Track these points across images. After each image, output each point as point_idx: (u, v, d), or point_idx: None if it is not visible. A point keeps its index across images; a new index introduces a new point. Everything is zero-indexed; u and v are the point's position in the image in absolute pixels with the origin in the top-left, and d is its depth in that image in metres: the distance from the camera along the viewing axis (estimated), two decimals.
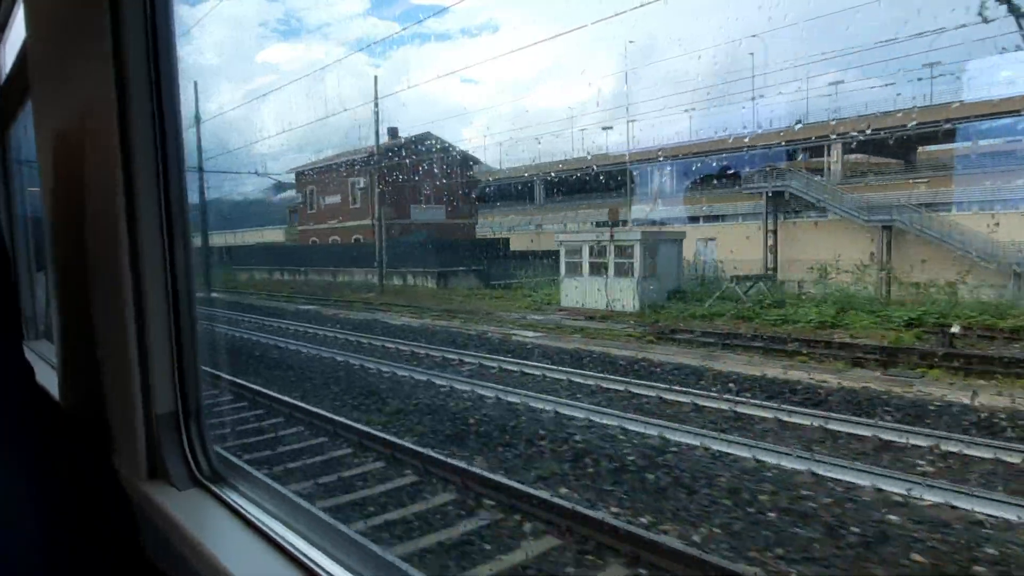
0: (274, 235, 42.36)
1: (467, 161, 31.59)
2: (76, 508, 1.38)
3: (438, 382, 8.72)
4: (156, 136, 1.32)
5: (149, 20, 1.31)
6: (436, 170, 31.78)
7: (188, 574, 1.15)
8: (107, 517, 1.46)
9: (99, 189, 1.38)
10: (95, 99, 1.35)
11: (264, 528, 1.17)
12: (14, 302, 1.43)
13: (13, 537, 1.23)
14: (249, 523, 1.20)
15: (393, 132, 31.77)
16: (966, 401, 6.88)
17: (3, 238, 1.41)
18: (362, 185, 32.77)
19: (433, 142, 30.63)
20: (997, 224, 16.13)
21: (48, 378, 1.76)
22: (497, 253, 25.55)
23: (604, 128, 27.73)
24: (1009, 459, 5.18)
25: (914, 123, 16.86)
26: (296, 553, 1.08)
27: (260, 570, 1.08)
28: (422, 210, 32.79)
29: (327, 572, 1.04)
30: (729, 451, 5.68)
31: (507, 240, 28.62)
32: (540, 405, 7.39)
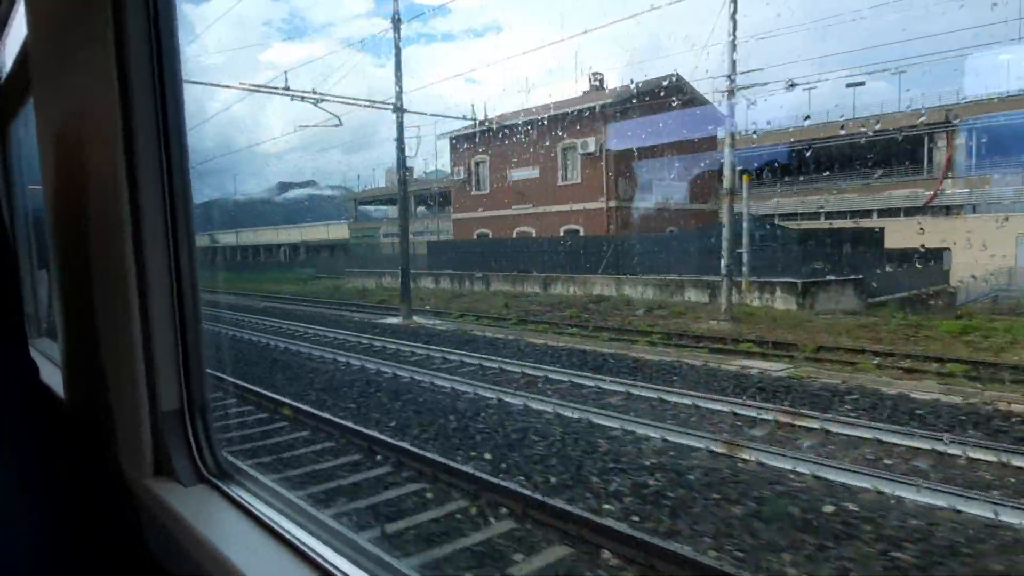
0: (336, 232, 37.35)
1: (712, 119, 20.48)
2: (80, 505, 1.44)
3: None
4: (160, 133, 1.38)
5: (151, 17, 1.36)
6: (681, 131, 20.71)
7: (195, 571, 1.20)
8: (111, 514, 1.53)
9: (102, 187, 1.45)
10: (97, 97, 1.42)
11: (274, 525, 1.21)
12: (18, 301, 1.50)
13: (17, 534, 1.27)
14: (258, 520, 1.25)
15: (600, 80, 23.00)
16: None
17: (6, 237, 1.47)
18: (591, 149, 22.12)
19: (676, 93, 19.64)
20: None
21: (52, 376, 1.85)
22: (869, 252, 16.85)
23: (851, 84, 19.77)
24: None
25: None
26: (307, 550, 1.11)
27: (270, 566, 1.11)
28: (663, 188, 22.83)
29: (339, 569, 1.06)
30: None
31: (878, 231, 18.89)
32: None
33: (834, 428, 6.36)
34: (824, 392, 7.94)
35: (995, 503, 4.53)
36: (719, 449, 5.80)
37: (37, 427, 1.44)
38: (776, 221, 21.33)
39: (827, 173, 23.31)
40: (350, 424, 6.46)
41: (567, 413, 7.03)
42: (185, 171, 1.42)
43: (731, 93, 13.71)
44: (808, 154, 22.30)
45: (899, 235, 18.07)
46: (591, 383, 8.46)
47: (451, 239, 28.51)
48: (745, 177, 15.85)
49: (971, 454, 5.70)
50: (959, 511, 4.52)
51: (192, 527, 1.24)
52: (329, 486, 5.16)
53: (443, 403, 7.77)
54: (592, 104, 22.10)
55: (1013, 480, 5.17)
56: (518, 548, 4.04)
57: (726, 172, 14.66)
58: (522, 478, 5.17)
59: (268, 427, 6.83)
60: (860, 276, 15.28)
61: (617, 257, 18.58)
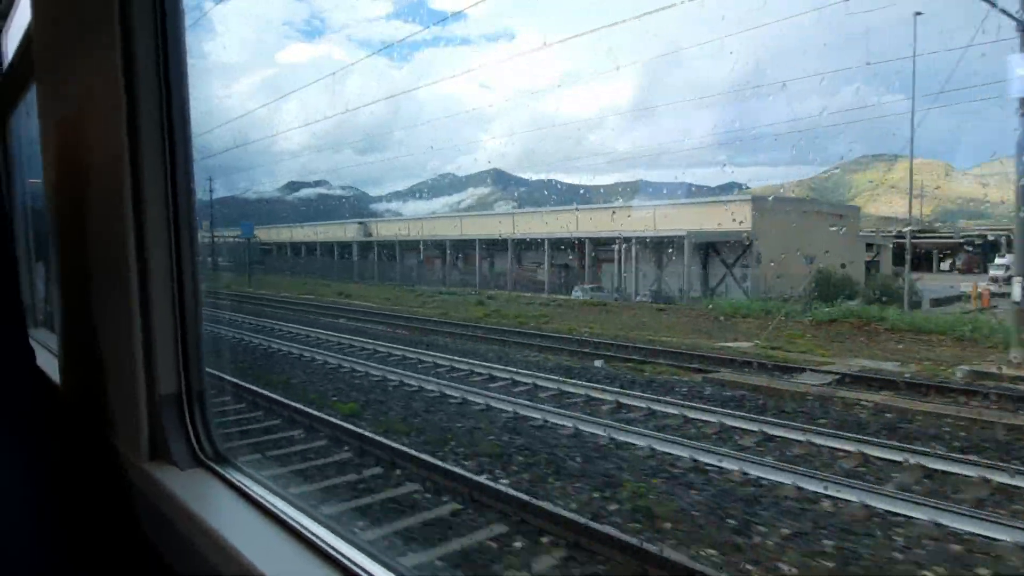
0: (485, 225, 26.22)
1: None
2: (77, 489, 1.49)
3: None
4: (164, 121, 1.40)
5: (158, 7, 1.38)
6: None
7: (190, 553, 1.22)
8: (108, 497, 1.56)
9: (104, 173, 1.47)
10: (101, 85, 1.43)
11: (269, 506, 1.23)
12: (16, 289, 1.53)
13: (14, 517, 1.30)
14: (254, 502, 1.27)
15: None
16: None
17: (5, 226, 1.53)
18: None
19: None
20: None
21: (48, 363, 1.89)
22: None
23: None
24: None
25: None
26: (302, 530, 1.13)
27: (268, 547, 1.12)
28: None
29: (335, 549, 1.07)
30: None
31: None
32: None
33: None
34: None
35: None
36: None
37: (34, 411, 1.47)
38: None
39: None
40: None
41: None
42: (189, 161, 1.44)
43: None
44: None
45: None
46: None
47: None
48: None
49: None
50: None
51: (189, 510, 1.25)
52: None
53: None
54: None
55: None
56: None
57: None
58: None
59: None
60: None
61: None
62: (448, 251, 28.45)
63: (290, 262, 36.63)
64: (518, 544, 4.33)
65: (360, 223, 34.37)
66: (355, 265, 32.46)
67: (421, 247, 30.28)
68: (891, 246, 19.44)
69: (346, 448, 6.09)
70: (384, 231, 34.24)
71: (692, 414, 7.39)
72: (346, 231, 35.74)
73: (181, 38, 1.42)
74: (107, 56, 1.39)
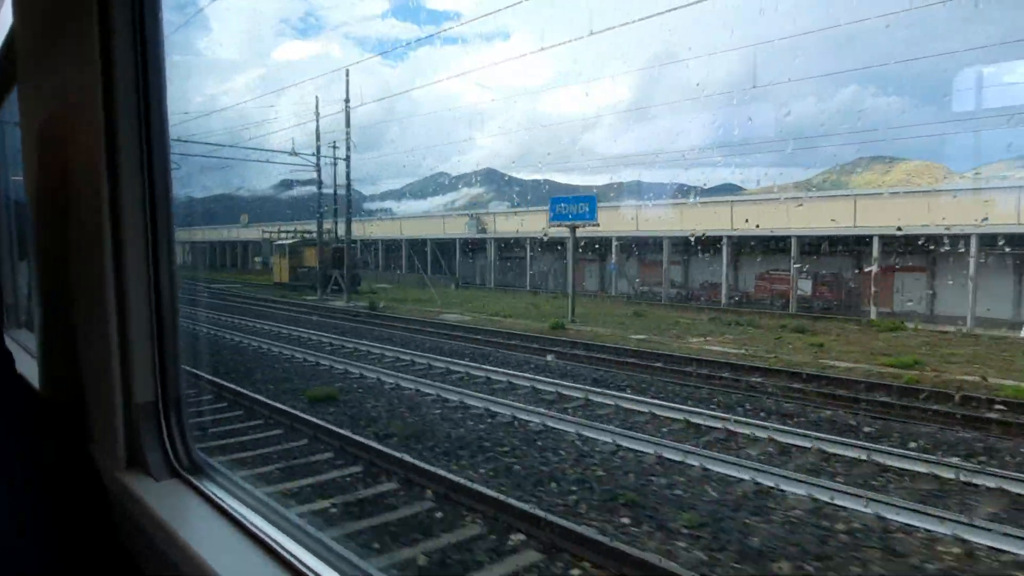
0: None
1: None
2: (52, 497, 1.47)
3: None
4: (141, 127, 1.40)
5: (137, 9, 1.38)
6: None
7: (163, 564, 1.23)
8: (83, 506, 1.55)
9: (84, 179, 1.47)
10: (81, 88, 1.44)
11: (242, 520, 1.23)
12: None
13: None
14: (227, 514, 1.27)
15: None
16: None
17: None
18: None
19: None
20: None
21: (28, 367, 1.87)
22: None
23: None
24: None
25: None
26: (274, 545, 1.14)
27: (236, 560, 1.13)
28: None
29: (304, 564, 1.08)
30: None
31: None
32: None
33: None
34: None
35: None
36: None
37: (11, 416, 1.45)
38: None
39: None
40: None
41: None
42: (166, 166, 1.43)
43: None
44: None
45: None
46: None
47: None
48: None
49: None
50: None
51: (162, 521, 1.25)
52: None
53: None
54: None
55: None
56: None
57: None
58: None
59: None
60: None
61: None
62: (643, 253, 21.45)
63: (452, 267, 29.50)
64: None
65: (471, 215, 29.08)
66: (492, 268, 27.19)
67: (613, 245, 22.60)
68: None
69: None
70: (502, 227, 27.58)
71: None
72: (445, 226, 30.50)
73: (160, 39, 1.41)
74: (87, 58, 1.38)
